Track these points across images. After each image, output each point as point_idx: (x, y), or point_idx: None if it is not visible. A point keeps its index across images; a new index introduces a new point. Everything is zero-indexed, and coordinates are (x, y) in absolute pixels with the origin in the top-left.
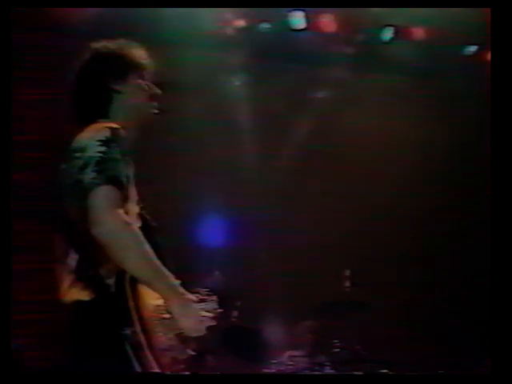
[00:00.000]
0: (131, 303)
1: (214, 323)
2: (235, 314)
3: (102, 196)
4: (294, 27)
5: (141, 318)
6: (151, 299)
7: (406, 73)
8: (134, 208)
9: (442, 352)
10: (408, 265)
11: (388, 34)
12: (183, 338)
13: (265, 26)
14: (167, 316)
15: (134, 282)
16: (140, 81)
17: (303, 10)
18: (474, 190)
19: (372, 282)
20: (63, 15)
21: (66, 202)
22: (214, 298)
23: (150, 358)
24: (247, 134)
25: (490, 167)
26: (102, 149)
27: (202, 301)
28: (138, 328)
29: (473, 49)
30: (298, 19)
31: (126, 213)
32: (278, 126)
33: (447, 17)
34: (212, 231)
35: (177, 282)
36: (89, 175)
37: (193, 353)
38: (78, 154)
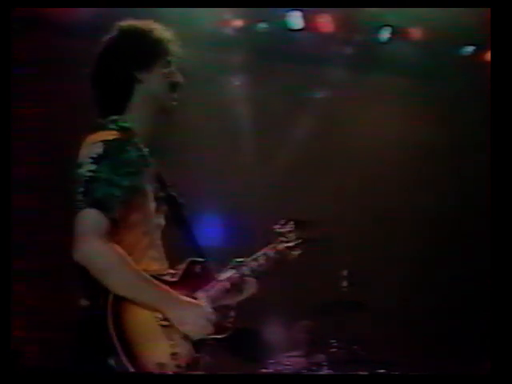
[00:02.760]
0: (112, 331)
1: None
2: (232, 314)
3: (83, 221)
4: (291, 27)
5: (126, 342)
6: (143, 315)
7: (405, 73)
8: (147, 211)
9: (441, 352)
10: (408, 265)
11: (386, 34)
12: (176, 353)
13: (263, 26)
14: (166, 323)
15: (118, 306)
16: (164, 70)
17: (301, 10)
18: (474, 189)
19: (371, 282)
20: (63, 15)
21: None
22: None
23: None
24: (246, 133)
25: (490, 167)
26: (92, 168)
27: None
28: (122, 355)
29: (473, 49)
30: (295, 19)
31: (131, 223)
32: (276, 125)
33: (447, 17)
34: (210, 231)
35: (170, 293)
36: (78, 196)
37: (184, 365)
38: (78, 170)
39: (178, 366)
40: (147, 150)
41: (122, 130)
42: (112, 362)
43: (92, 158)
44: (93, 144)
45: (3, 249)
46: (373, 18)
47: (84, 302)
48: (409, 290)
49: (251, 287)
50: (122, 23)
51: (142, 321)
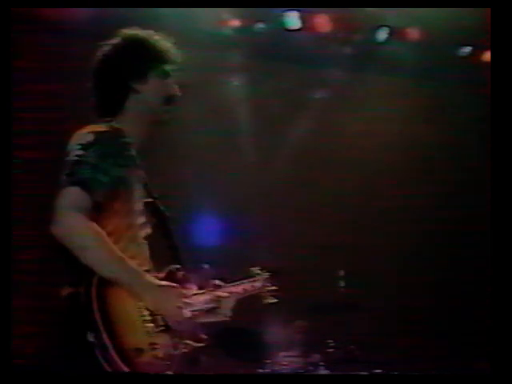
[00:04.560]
0: (95, 308)
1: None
2: (229, 314)
3: (65, 196)
4: (289, 27)
5: (108, 322)
6: (125, 302)
7: (405, 73)
8: (132, 205)
9: (441, 352)
10: (407, 265)
11: (384, 35)
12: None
13: (260, 26)
14: (147, 313)
15: (103, 286)
16: (160, 82)
17: (299, 11)
18: (474, 190)
19: (369, 282)
20: (63, 15)
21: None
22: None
23: (118, 360)
24: (244, 133)
25: (490, 167)
26: (79, 152)
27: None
28: (103, 332)
29: (472, 49)
30: (293, 19)
31: (115, 212)
32: (274, 125)
33: (447, 17)
34: (208, 230)
35: (148, 278)
36: (62, 177)
37: (161, 356)
38: (66, 159)
39: (155, 357)
40: (136, 151)
41: (113, 127)
42: (92, 338)
43: (81, 144)
44: (83, 134)
45: (3, 249)
46: (374, 18)
47: (68, 287)
48: (407, 290)
49: (227, 310)
50: (124, 30)
51: (125, 308)
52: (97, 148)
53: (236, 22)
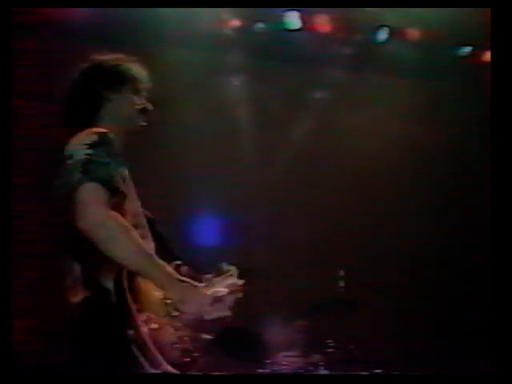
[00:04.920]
0: (132, 304)
1: (227, 301)
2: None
3: (86, 191)
4: (289, 27)
5: (144, 317)
6: (154, 295)
7: (405, 73)
8: (135, 205)
9: (441, 352)
10: (407, 264)
11: (384, 35)
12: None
13: (260, 26)
14: (172, 311)
15: (133, 280)
16: (132, 95)
17: (299, 11)
18: (474, 190)
19: (370, 282)
20: (63, 15)
21: (63, 210)
22: (235, 271)
23: (159, 356)
24: (244, 133)
25: (490, 167)
26: (89, 151)
27: (221, 275)
28: (141, 328)
29: (472, 49)
30: (293, 19)
31: (125, 212)
32: (274, 125)
33: (447, 17)
34: (207, 230)
35: (171, 269)
36: (76, 176)
37: (208, 337)
38: (68, 161)
39: (187, 350)
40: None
41: (106, 131)
42: (131, 333)
43: (87, 144)
44: (85, 135)
45: (3, 249)
46: (373, 18)
47: (83, 291)
48: (407, 290)
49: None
50: (95, 56)
51: (155, 298)
52: (104, 147)
53: (236, 22)
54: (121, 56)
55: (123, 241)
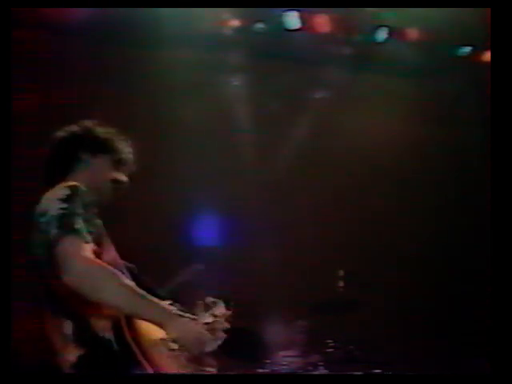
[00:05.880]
0: (135, 348)
1: (219, 334)
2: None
3: (67, 244)
4: (289, 27)
5: (147, 358)
6: (154, 334)
7: (405, 73)
8: (112, 254)
9: (441, 352)
10: (407, 264)
11: (383, 34)
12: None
13: (260, 26)
14: (174, 346)
15: (131, 324)
16: (108, 164)
17: (298, 11)
18: (474, 190)
19: (369, 282)
20: (63, 15)
21: (42, 270)
22: (221, 302)
23: None
24: (245, 133)
25: (490, 167)
26: (63, 205)
27: (208, 308)
28: (147, 367)
29: (472, 49)
30: (292, 19)
31: (104, 262)
32: (274, 125)
33: (447, 17)
34: (207, 231)
35: (166, 305)
36: (53, 231)
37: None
38: (42, 219)
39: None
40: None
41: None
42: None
43: (60, 198)
44: (56, 190)
45: (3, 249)
46: (373, 18)
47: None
48: (407, 290)
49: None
50: (84, 123)
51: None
52: (78, 200)
53: (236, 22)
54: (112, 130)
55: (112, 286)
